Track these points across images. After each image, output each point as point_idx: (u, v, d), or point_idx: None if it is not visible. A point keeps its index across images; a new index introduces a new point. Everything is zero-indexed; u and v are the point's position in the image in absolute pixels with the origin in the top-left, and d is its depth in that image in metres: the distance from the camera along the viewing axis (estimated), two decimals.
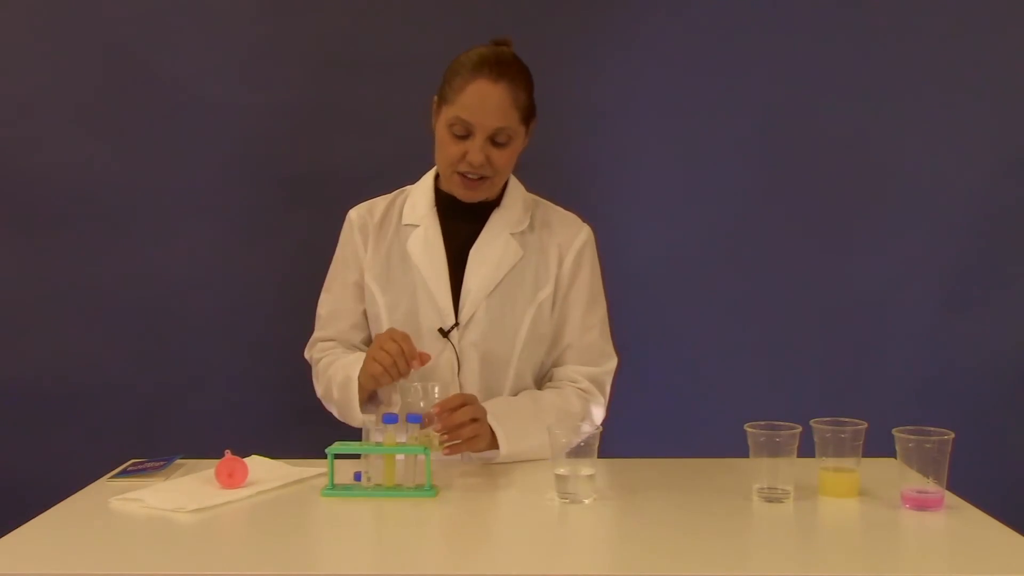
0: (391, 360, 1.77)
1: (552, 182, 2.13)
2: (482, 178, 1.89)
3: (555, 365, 2.00)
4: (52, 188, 2.66)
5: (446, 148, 1.88)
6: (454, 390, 1.90)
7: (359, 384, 1.86)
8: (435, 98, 1.91)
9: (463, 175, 1.89)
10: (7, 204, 2.66)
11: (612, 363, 2.00)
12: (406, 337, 1.80)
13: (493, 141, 1.87)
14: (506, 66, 1.86)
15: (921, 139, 2.70)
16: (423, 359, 1.79)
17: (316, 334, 2.04)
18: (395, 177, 2.08)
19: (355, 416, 1.90)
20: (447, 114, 1.86)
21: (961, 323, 2.72)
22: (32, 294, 2.67)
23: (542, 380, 2.01)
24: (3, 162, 2.66)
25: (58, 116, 2.65)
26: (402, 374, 1.78)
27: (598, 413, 1.96)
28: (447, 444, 1.71)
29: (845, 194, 2.71)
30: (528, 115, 1.91)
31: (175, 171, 2.67)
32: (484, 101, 1.83)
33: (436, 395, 1.76)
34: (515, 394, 1.94)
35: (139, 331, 2.68)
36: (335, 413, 1.97)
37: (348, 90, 2.66)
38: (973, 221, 2.71)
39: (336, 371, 1.93)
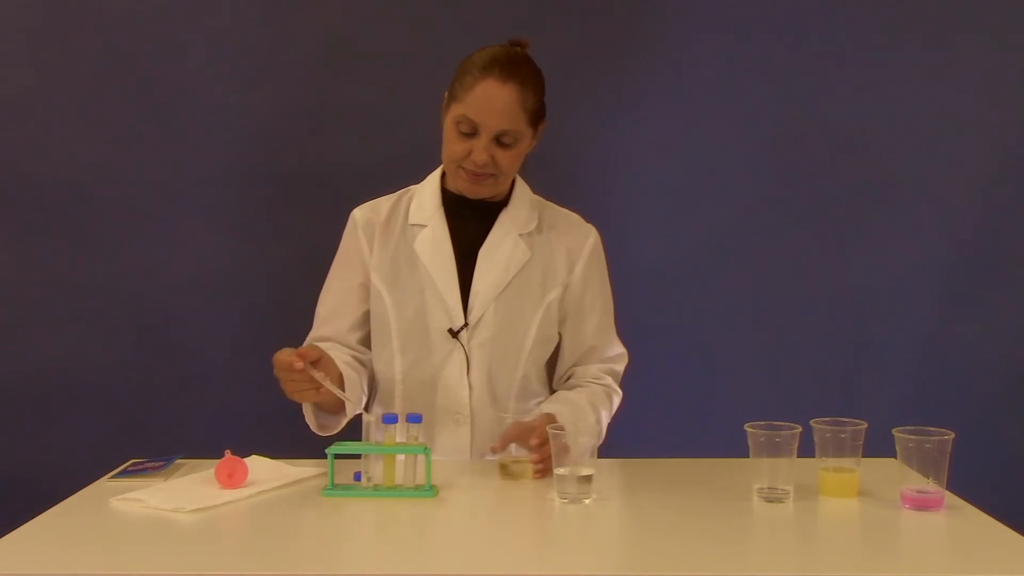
0: (295, 386, 1.73)
1: (556, 181, 2.13)
2: (487, 174, 1.89)
3: (577, 365, 2.03)
4: (52, 188, 2.65)
5: (452, 144, 1.88)
6: (463, 390, 1.91)
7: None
8: (446, 93, 1.91)
9: (468, 170, 1.89)
10: (7, 204, 2.65)
11: (625, 355, 2.07)
12: (284, 365, 1.71)
13: (498, 141, 1.86)
14: (516, 67, 1.85)
15: (922, 139, 2.69)
16: (304, 355, 1.71)
17: (312, 333, 2.01)
18: (396, 177, 2.08)
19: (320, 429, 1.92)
20: (455, 111, 1.86)
21: (961, 323, 2.72)
22: (32, 294, 2.67)
23: (561, 380, 2.03)
24: (3, 162, 2.65)
25: (58, 116, 2.65)
26: (314, 381, 1.72)
27: (616, 403, 2.03)
28: (538, 471, 1.73)
29: (846, 194, 2.71)
30: (536, 117, 1.90)
31: (175, 171, 2.66)
32: (491, 102, 1.83)
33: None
34: (520, 395, 1.96)
35: (139, 331, 2.68)
36: None
37: (348, 90, 2.65)
38: (973, 221, 2.71)
39: None
